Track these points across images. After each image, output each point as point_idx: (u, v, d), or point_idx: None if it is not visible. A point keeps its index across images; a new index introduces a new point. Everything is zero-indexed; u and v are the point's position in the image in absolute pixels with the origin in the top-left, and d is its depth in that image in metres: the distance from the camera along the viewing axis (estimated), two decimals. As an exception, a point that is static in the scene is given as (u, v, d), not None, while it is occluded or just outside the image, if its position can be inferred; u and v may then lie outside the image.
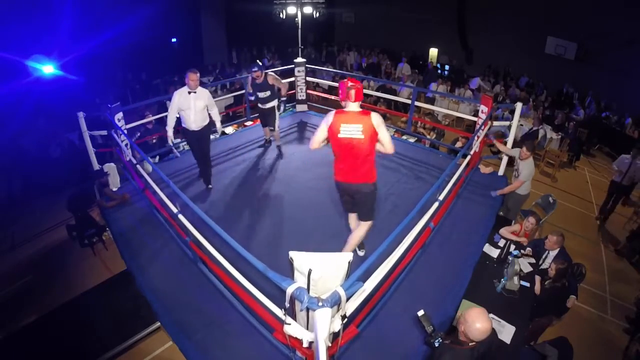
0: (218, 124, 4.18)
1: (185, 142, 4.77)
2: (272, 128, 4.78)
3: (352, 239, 2.88)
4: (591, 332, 3.84)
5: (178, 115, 3.89)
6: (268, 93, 4.50)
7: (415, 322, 2.57)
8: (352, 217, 2.99)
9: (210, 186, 4.20)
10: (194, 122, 3.86)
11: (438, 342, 2.04)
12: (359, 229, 2.87)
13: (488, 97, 4.58)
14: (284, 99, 4.71)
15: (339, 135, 2.51)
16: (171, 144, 4.12)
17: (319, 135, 2.61)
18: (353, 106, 2.56)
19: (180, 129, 4.05)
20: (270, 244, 3.22)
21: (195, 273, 2.94)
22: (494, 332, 2.03)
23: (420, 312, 2.21)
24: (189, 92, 3.76)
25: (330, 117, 2.56)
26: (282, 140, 5.45)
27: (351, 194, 2.77)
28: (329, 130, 2.56)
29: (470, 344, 1.91)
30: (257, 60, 4.56)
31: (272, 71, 4.73)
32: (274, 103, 4.63)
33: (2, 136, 6.37)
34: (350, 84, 2.52)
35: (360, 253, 3.15)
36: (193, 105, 3.79)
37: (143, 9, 9.22)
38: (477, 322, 1.84)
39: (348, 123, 2.49)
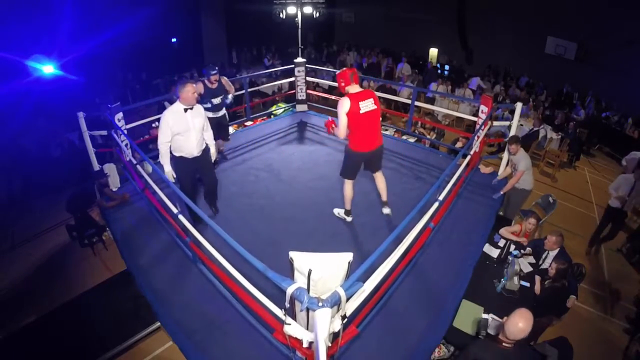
0: (213, 149, 3.46)
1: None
2: (228, 138, 4.16)
3: (383, 187, 3.49)
4: (591, 332, 3.84)
5: None
6: (219, 99, 3.94)
7: (415, 322, 2.57)
8: (348, 184, 3.43)
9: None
10: (197, 146, 3.17)
11: None
12: (382, 178, 3.47)
13: (488, 97, 4.58)
14: (231, 98, 4.07)
15: (361, 112, 2.98)
16: (173, 180, 3.16)
17: (343, 123, 3.01)
18: (357, 87, 3.07)
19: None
20: (270, 244, 3.22)
21: (195, 273, 2.94)
22: (533, 351, 2.05)
23: (484, 316, 2.39)
24: (186, 110, 3.06)
25: (346, 103, 2.95)
26: (283, 140, 5.46)
27: (370, 157, 3.27)
28: (350, 113, 2.96)
29: (504, 344, 1.97)
30: (211, 64, 3.99)
31: (272, 71, 4.67)
32: (224, 110, 4.07)
33: (3, 136, 6.38)
34: (349, 72, 3.05)
35: (386, 211, 3.53)
36: (192, 125, 3.08)
37: (143, 9, 9.23)
38: (519, 321, 1.89)
39: (364, 100, 2.99)
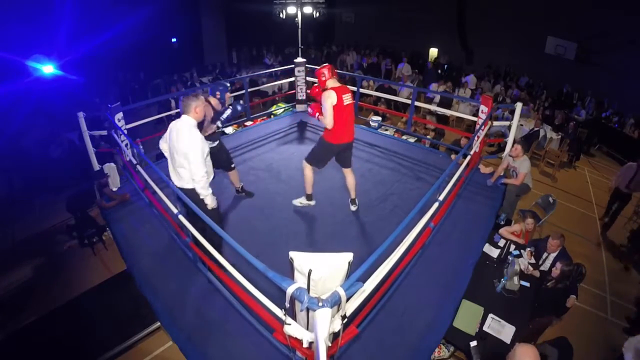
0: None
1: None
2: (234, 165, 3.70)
3: (353, 185, 3.59)
4: (591, 332, 3.84)
5: None
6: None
7: (415, 321, 2.57)
8: (309, 169, 3.46)
9: None
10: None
11: None
12: (352, 175, 3.55)
13: (488, 97, 4.58)
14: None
15: (344, 104, 3.13)
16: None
17: (331, 114, 3.10)
18: (336, 82, 3.20)
19: None
20: (270, 244, 3.22)
21: (195, 273, 2.94)
22: None
23: (473, 344, 2.38)
24: None
25: (333, 96, 3.07)
26: (283, 140, 5.45)
27: (345, 149, 3.40)
28: (336, 106, 3.08)
29: None
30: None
31: (272, 71, 4.64)
32: None
33: (2, 136, 6.37)
34: (329, 67, 3.19)
35: (353, 208, 3.68)
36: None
37: (143, 9, 9.24)
38: (525, 358, 1.90)
39: (345, 94, 3.14)
